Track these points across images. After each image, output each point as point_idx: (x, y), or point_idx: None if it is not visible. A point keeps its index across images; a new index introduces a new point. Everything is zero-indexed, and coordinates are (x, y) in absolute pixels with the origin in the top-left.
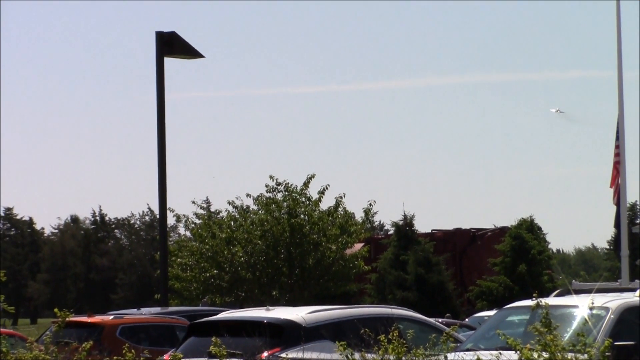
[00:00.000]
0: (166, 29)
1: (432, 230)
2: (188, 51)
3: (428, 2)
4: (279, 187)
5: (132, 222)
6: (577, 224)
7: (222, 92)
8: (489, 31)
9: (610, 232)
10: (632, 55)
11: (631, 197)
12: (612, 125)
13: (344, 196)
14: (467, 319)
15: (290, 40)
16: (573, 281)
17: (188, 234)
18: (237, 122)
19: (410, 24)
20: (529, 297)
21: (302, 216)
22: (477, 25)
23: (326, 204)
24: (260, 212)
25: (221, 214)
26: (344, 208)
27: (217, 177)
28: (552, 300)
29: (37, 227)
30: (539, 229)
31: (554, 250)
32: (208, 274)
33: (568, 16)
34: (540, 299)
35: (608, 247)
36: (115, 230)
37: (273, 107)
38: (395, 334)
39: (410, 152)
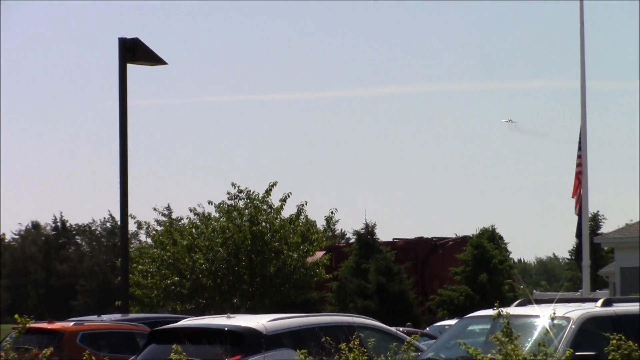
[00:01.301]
0: (129, 36)
1: (393, 239)
2: (151, 58)
3: (393, 12)
4: (240, 195)
5: (93, 228)
6: (539, 234)
7: (185, 99)
8: (452, 41)
9: (571, 242)
10: (596, 66)
11: (593, 207)
12: (575, 136)
13: (306, 204)
14: (428, 328)
15: (252, 48)
16: (534, 291)
17: (149, 240)
18: (199, 129)
19: (374, 34)
20: (490, 306)
21: (263, 224)
22: (439, 36)
23: (288, 211)
24: (221, 219)
25: (182, 221)
26: (306, 216)
27: (178, 185)
28: (513, 310)
29: None
30: (501, 238)
31: (515, 260)
32: (169, 281)
33: (531, 26)
34: (502, 308)
35: (569, 257)
36: (76, 237)
37: (235, 114)
38: (356, 343)
39: (372, 160)
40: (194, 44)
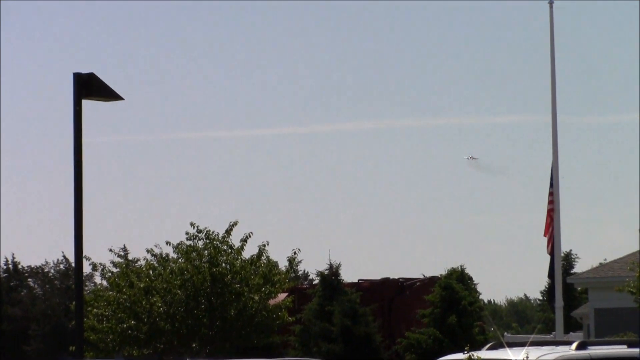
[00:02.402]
0: (84, 70)
1: (358, 280)
2: (107, 93)
3: (354, 45)
4: (199, 235)
5: (46, 270)
6: (509, 274)
7: (142, 136)
8: (419, 74)
9: (543, 282)
10: (567, 101)
11: (566, 246)
12: (546, 172)
13: (267, 244)
14: None
15: (210, 83)
16: (505, 333)
17: (105, 283)
18: (157, 166)
19: (327, 68)
20: (460, 349)
21: (223, 265)
22: (405, 69)
23: (249, 252)
24: (180, 260)
25: (139, 263)
26: (267, 257)
27: (135, 225)
28: (484, 354)
29: None
30: (470, 279)
31: (486, 301)
32: (125, 325)
33: (501, 60)
34: (473, 352)
35: (541, 297)
36: (29, 279)
37: (194, 151)
38: None
39: (336, 199)
40: (151, 79)
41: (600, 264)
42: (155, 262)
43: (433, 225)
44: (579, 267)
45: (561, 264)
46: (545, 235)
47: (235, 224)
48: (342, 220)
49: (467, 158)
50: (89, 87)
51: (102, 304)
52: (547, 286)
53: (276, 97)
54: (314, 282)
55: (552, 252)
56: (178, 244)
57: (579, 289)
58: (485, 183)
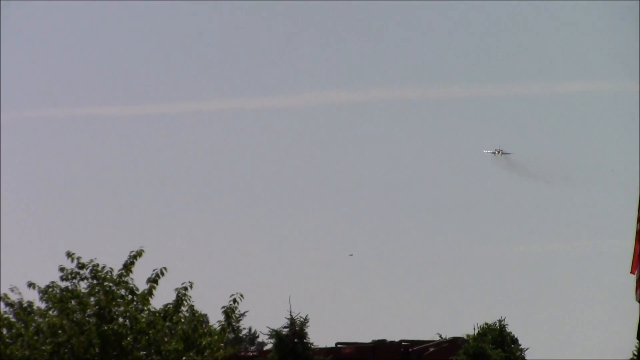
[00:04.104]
0: None
1: (337, 344)
2: None
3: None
4: (82, 272)
5: None
6: (579, 332)
7: None
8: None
9: (631, 343)
10: None
11: None
12: (633, 180)
13: (191, 287)
14: None
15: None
16: None
17: None
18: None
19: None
20: None
21: (120, 320)
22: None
23: (161, 299)
24: (51, 312)
25: None
26: (191, 306)
27: None
28: None
29: None
30: (514, 341)
31: None
32: None
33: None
34: None
35: None
36: None
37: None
38: None
39: (298, 216)
40: None
41: None
42: (11, 316)
43: (453, 256)
44: None
45: None
46: (632, 272)
47: (140, 254)
48: (309, 250)
49: (495, 152)
50: None
51: None
52: (637, 350)
53: None
54: (265, 347)
55: None
56: (47, 287)
57: None
58: (530, 192)
